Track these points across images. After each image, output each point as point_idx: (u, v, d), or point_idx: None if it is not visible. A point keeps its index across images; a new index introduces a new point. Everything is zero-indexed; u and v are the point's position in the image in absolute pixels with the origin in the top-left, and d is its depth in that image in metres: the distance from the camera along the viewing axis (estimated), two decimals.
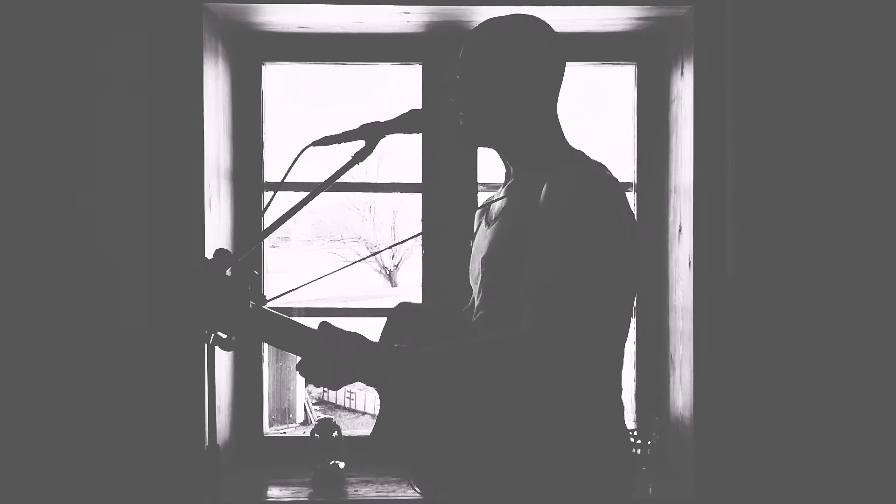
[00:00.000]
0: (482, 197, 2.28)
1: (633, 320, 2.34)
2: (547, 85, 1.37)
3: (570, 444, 1.27)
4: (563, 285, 1.20)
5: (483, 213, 1.52)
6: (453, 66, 1.40)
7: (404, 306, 1.43)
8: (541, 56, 1.35)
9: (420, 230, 2.39)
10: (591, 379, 1.29)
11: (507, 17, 1.38)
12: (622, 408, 1.36)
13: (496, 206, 1.44)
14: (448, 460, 1.28)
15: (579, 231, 1.22)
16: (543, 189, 1.27)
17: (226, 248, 1.31)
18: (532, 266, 1.25)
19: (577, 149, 1.41)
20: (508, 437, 1.26)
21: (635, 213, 2.32)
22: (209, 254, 1.31)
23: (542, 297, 1.21)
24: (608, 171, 1.35)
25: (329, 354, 1.23)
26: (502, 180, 1.50)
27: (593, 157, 1.40)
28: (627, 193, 2.32)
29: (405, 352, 1.25)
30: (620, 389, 1.36)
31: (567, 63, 1.42)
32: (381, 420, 1.33)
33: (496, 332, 1.32)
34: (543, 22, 1.38)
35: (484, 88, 1.34)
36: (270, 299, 1.36)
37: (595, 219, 1.23)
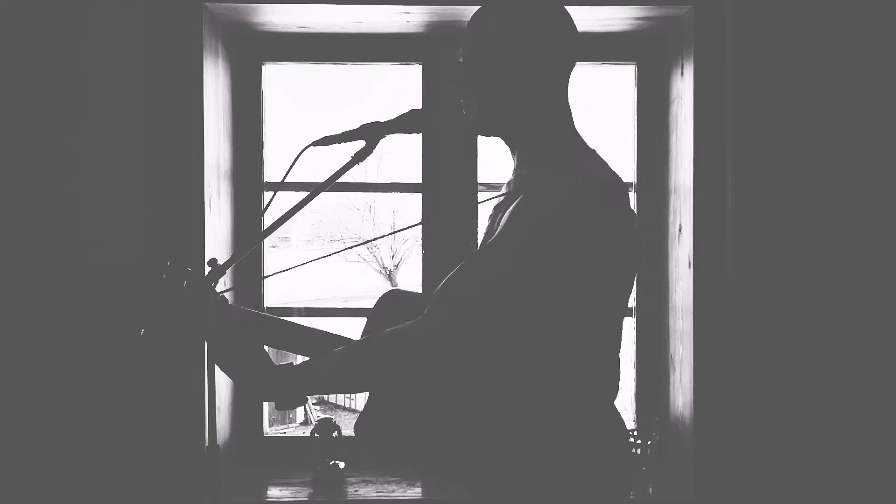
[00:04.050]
0: (481, 197, 2.28)
1: (633, 320, 2.35)
2: (554, 71, 1.29)
3: (562, 440, 1.24)
4: (467, 280, 1.19)
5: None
6: (457, 49, 1.34)
7: (393, 294, 1.40)
8: (549, 40, 1.28)
9: (419, 229, 2.39)
10: (577, 380, 1.26)
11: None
12: (615, 409, 1.33)
13: (496, 203, 1.41)
14: (441, 455, 1.27)
15: (531, 237, 1.18)
16: (521, 197, 1.23)
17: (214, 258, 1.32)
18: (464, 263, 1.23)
19: (591, 147, 1.34)
20: (499, 433, 1.25)
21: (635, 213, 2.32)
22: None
23: (442, 287, 1.21)
24: (613, 176, 1.29)
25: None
26: (502, 180, 1.46)
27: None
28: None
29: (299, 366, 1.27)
30: (615, 392, 1.33)
31: (577, 52, 1.33)
32: (368, 408, 1.30)
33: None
34: (555, 6, 1.31)
35: (487, 71, 1.28)
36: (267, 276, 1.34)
37: (561, 233, 1.18)
